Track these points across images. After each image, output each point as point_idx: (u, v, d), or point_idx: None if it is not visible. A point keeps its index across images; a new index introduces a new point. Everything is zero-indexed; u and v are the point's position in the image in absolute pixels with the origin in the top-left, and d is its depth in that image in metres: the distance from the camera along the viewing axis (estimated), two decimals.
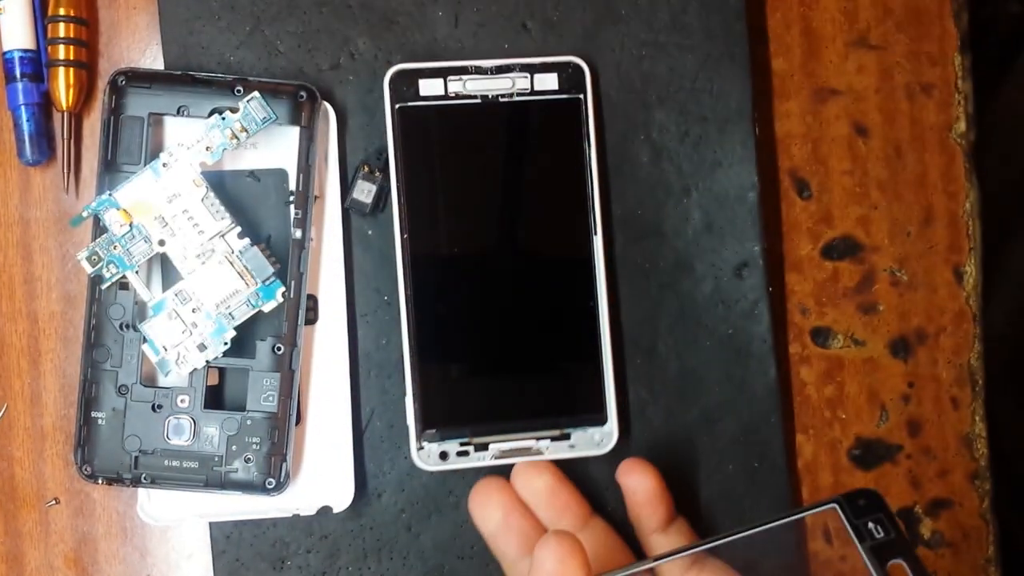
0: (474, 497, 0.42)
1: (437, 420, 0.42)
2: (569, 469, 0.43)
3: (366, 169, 0.43)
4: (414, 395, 0.42)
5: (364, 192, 0.43)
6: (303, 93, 0.41)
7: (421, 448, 0.42)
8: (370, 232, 0.44)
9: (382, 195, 0.43)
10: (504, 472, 0.42)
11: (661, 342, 0.45)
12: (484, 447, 0.42)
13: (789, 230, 0.47)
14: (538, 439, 0.42)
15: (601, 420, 0.43)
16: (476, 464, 0.42)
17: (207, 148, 0.40)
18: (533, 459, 0.42)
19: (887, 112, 0.47)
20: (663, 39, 0.45)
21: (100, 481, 0.41)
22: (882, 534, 0.31)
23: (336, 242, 0.43)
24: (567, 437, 0.43)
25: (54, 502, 0.44)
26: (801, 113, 0.47)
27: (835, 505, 0.31)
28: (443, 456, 0.42)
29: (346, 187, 0.43)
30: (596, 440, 0.43)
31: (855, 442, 0.47)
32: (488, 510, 0.41)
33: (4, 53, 0.42)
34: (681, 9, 0.45)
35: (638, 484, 0.41)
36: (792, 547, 0.33)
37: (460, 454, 0.42)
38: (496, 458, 0.42)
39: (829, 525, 0.31)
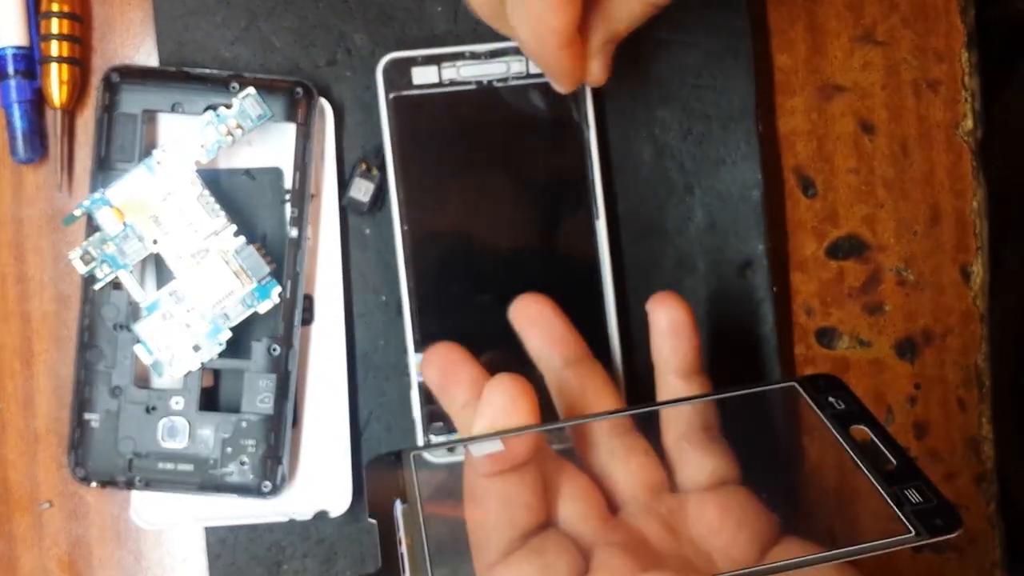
0: (425, 356, 0.38)
1: (444, 413, 0.41)
2: None
3: (363, 167, 0.42)
4: (420, 387, 0.41)
5: (361, 190, 0.42)
6: (299, 89, 0.41)
7: (428, 441, 0.41)
8: (367, 231, 0.43)
9: (380, 193, 0.42)
10: None
11: None
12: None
13: (794, 229, 0.46)
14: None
15: None
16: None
17: (202, 145, 0.40)
18: None
19: (893, 109, 0.47)
20: (665, 36, 0.45)
21: (94, 484, 0.41)
22: (843, 406, 0.31)
23: (333, 241, 0.42)
24: None
25: (47, 505, 0.43)
26: (806, 110, 0.47)
27: (794, 383, 0.32)
28: (451, 448, 0.42)
29: (343, 185, 0.43)
30: None
31: None
32: (437, 363, 0.38)
33: None
34: (683, 6, 0.45)
35: (666, 314, 0.38)
36: (752, 422, 0.34)
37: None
38: None
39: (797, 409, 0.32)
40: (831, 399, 0.31)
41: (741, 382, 0.44)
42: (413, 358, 0.41)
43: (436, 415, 0.41)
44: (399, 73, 0.42)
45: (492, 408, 0.32)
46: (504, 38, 0.42)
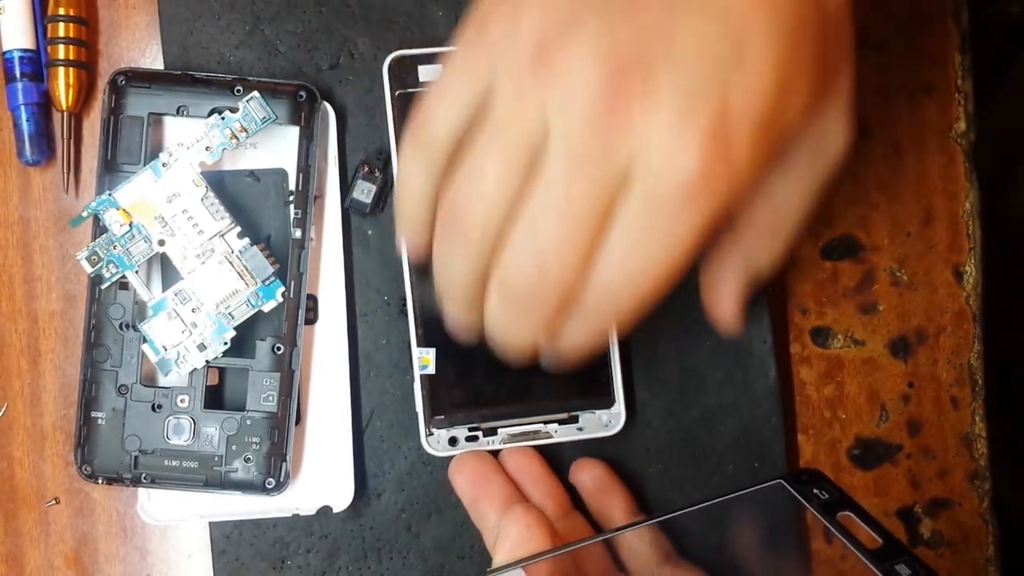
0: (454, 465, 0.42)
1: (446, 406, 0.42)
2: (577, 453, 0.44)
3: (366, 169, 0.43)
4: (422, 381, 0.42)
5: (364, 192, 0.43)
6: (303, 93, 0.41)
7: (430, 434, 0.42)
8: (370, 232, 0.44)
9: (382, 195, 0.43)
10: None
11: (661, 342, 0.45)
12: (493, 432, 0.42)
13: None
14: (547, 423, 0.43)
15: (609, 402, 0.43)
16: (485, 448, 0.42)
17: (207, 148, 0.40)
18: (542, 443, 0.42)
19: (887, 112, 0.47)
20: None
21: (100, 481, 0.41)
22: (827, 496, 0.33)
23: (336, 242, 0.43)
24: (575, 420, 0.43)
25: (54, 502, 0.44)
26: None
27: (780, 480, 0.33)
28: (452, 442, 0.42)
29: (346, 187, 0.43)
30: (604, 422, 0.43)
31: (855, 442, 0.47)
32: (467, 475, 0.42)
33: (4, 53, 0.42)
34: None
35: (589, 477, 0.43)
36: (744, 524, 0.35)
37: (469, 439, 0.42)
38: (505, 442, 0.42)
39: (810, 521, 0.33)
40: (815, 491, 0.33)
41: (738, 382, 0.45)
42: (416, 352, 0.42)
43: (438, 409, 0.42)
44: (404, 71, 0.42)
45: (510, 540, 0.35)
46: None
